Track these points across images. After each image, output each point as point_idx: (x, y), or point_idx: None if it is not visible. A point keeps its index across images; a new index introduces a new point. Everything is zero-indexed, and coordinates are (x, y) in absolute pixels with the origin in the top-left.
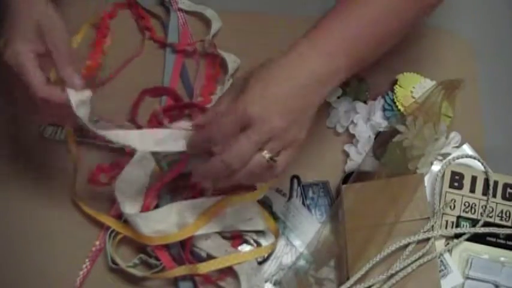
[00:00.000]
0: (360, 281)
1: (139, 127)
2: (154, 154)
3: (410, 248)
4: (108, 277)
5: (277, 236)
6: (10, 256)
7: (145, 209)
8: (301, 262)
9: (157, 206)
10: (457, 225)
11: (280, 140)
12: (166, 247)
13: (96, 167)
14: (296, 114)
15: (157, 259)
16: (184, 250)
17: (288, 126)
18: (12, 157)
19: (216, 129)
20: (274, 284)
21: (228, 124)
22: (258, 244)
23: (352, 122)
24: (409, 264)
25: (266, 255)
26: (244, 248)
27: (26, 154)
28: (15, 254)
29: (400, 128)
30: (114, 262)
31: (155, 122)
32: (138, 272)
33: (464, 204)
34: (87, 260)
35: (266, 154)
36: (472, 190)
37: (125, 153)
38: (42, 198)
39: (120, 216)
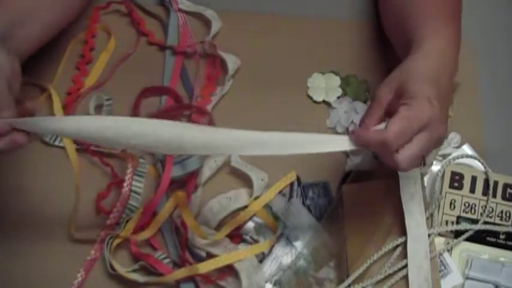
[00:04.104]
0: (358, 280)
1: None
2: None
3: None
4: (104, 286)
5: (275, 231)
6: (2, 265)
7: (144, 223)
8: (301, 262)
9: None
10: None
11: (435, 145)
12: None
13: (97, 196)
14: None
15: None
16: (182, 251)
17: (445, 131)
18: (11, 160)
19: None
20: (274, 284)
21: (409, 135)
22: (256, 242)
23: (352, 122)
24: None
25: (265, 251)
26: (243, 247)
27: (25, 157)
28: (7, 263)
29: None
30: (112, 268)
31: None
32: (139, 277)
33: (464, 205)
34: (81, 270)
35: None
36: (472, 190)
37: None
38: (40, 203)
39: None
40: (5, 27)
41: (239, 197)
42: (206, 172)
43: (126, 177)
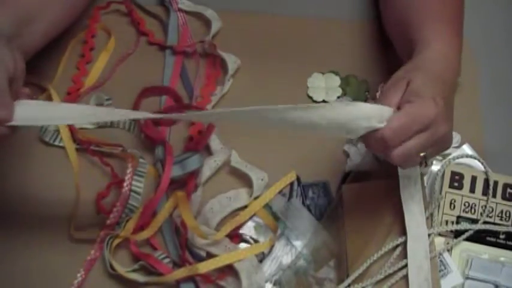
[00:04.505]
0: (358, 280)
1: (141, 126)
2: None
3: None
4: (104, 286)
5: (275, 231)
6: (2, 265)
7: (144, 223)
8: (301, 262)
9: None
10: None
11: (439, 144)
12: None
13: (97, 196)
14: (452, 119)
15: None
16: (182, 251)
17: (449, 131)
18: (11, 159)
19: (397, 137)
20: (274, 284)
21: (410, 133)
22: (256, 242)
23: None
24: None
25: (265, 251)
26: (243, 247)
27: (25, 157)
28: (8, 262)
29: None
30: (112, 268)
31: (151, 124)
32: (139, 277)
33: (464, 204)
34: (81, 270)
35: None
36: (472, 190)
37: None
38: (40, 203)
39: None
40: (12, 25)
41: (239, 196)
42: (206, 172)
43: (126, 177)
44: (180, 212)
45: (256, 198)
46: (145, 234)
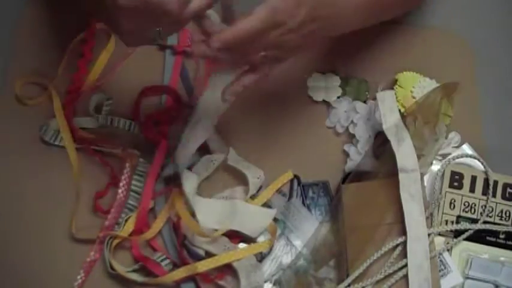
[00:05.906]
0: (358, 279)
1: (141, 126)
2: None
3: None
4: (104, 287)
5: (275, 231)
6: (2, 267)
7: (142, 223)
8: (301, 262)
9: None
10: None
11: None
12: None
13: (95, 195)
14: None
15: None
16: (179, 250)
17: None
18: (11, 160)
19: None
20: (274, 284)
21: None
22: (256, 242)
23: (352, 122)
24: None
25: (265, 251)
26: (242, 246)
27: (25, 157)
28: (8, 263)
29: None
30: (112, 268)
31: (150, 124)
32: (138, 277)
33: (464, 204)
34: (81, 271)
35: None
36: (472, 190)
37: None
38: (40, 203)
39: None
40: None
41: (235, 195)
42: (203, 171)
43: (123, 177)
44: (176, 209)
45: (253, 197)
46: (146, 236)
